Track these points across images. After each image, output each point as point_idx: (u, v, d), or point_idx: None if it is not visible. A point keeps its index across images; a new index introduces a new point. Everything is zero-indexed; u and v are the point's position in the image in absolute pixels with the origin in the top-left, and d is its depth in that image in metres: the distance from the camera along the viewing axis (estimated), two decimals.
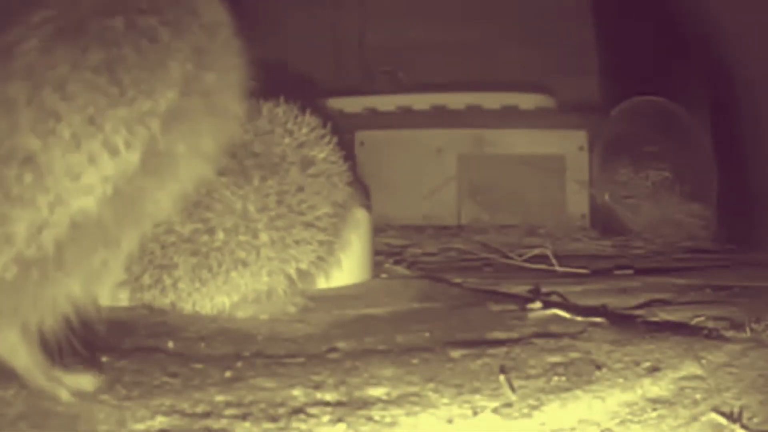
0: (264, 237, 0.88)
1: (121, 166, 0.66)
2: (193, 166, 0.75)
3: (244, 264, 0.87)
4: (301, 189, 0.91)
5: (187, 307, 0.88)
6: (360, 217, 1.09)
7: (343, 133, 1.02)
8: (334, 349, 0.78)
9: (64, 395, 0.63)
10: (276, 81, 0.86)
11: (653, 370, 0.67)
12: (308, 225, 0.91)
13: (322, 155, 0.95)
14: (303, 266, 0.91)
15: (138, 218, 0.71)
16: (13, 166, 0.63)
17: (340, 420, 0.58)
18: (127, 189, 0.67)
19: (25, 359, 0.65)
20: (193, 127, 0.74)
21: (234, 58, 0.79)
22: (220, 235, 0.87)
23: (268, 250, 0.88)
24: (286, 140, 0.93)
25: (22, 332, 0.65)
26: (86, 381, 0.66)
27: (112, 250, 0.70)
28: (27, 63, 0.65)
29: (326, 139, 0.97)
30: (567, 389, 0.63)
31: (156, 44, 0.71)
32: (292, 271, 0.90)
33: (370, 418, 0.58)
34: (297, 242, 0.90)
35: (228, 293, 0.88)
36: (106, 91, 0.66)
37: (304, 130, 0.95)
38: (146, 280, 0.88)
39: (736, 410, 0.59)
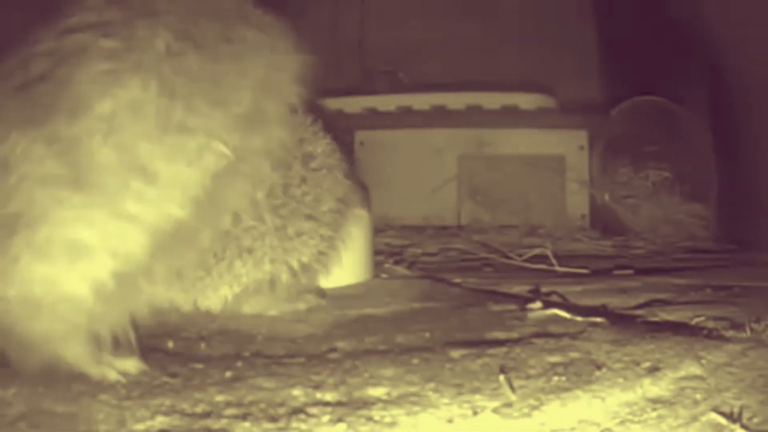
0: (269, 222, 0.89)
1: (212, 169, 0.69)
2: (261, 164, 0.78)
3: (249, 251, 0.88)
4: (304, 181, 0.92)
5: (190, 301, 0.88)
6: (360, 216, 1.09)
7: (343, 133, 1.02)
8: (334, 349, 0.78)
9: (113, 376, 0.67)
10: None
11: (653, 370, 0.67)
12: (310, 218, 0.92)
13: (320, 150, 0.96)
14: (305, 259, 0.92)
15: (216, 216, 0.74)
16: (134, 177, 0.64)
17: (340, 420, 0.58)
18: (210, 188, 0.69)
19: (79, 351, 0.67)
20: (267, 127, 0.77)
21: (290, 53, 0.82)
22: (228, 216, 0.87)
23: (272, 238, 0.89)
24: None
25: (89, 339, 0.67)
26: (131, 365, 0.69)
27: (193, 252, 0.71)
28: (155, 61, 0.67)
29: (321, 135, 0.98)
30: (567, 389, 0.63)
31: (240, 45, 0.74)
32: (294, 263, 0.91)
33: (370, 418, 0.58)
34: (299, 234, 0.91)
35: (230, 283, 0.88)
36: (219, 101, 0.69)
37: (301, 128, 0.96)
38: None
39: (736, 410, 0.59)
